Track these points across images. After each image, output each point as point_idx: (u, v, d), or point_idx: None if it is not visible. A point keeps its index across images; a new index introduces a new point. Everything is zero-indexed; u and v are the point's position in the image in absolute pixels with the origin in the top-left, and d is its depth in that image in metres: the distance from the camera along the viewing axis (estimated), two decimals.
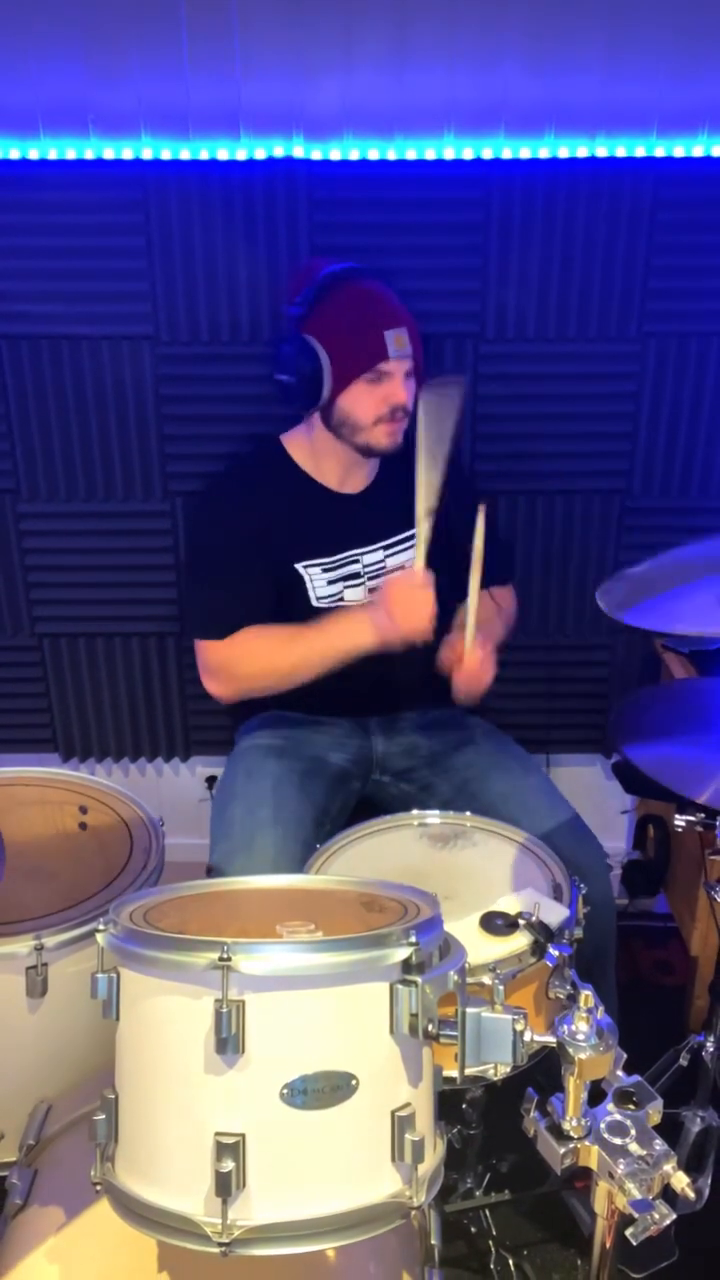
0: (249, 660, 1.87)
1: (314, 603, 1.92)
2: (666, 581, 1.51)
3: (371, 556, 1.92)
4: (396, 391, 1.79)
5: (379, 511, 1.92)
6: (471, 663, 1.77)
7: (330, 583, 1.91)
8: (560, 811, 1.84)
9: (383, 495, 1.92)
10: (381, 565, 1.93)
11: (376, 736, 2.01)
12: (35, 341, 2.13)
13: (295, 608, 1.91)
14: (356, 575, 1.92)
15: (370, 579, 1.93)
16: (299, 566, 1.90)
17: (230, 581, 1.89)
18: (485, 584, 1.82)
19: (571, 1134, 1.07)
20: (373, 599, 1.86)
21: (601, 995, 1.13)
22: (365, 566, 1.92)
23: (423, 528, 1.75)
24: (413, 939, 1.04)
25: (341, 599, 1.93)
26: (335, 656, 1.81)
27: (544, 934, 1.43)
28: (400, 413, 1.80)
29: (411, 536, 1.87)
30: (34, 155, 2.02)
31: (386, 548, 1.93)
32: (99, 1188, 1.08)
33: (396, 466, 1.87)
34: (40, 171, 2.02)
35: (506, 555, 2.14)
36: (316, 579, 1.91)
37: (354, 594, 1.93)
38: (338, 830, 1.76)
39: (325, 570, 1.91)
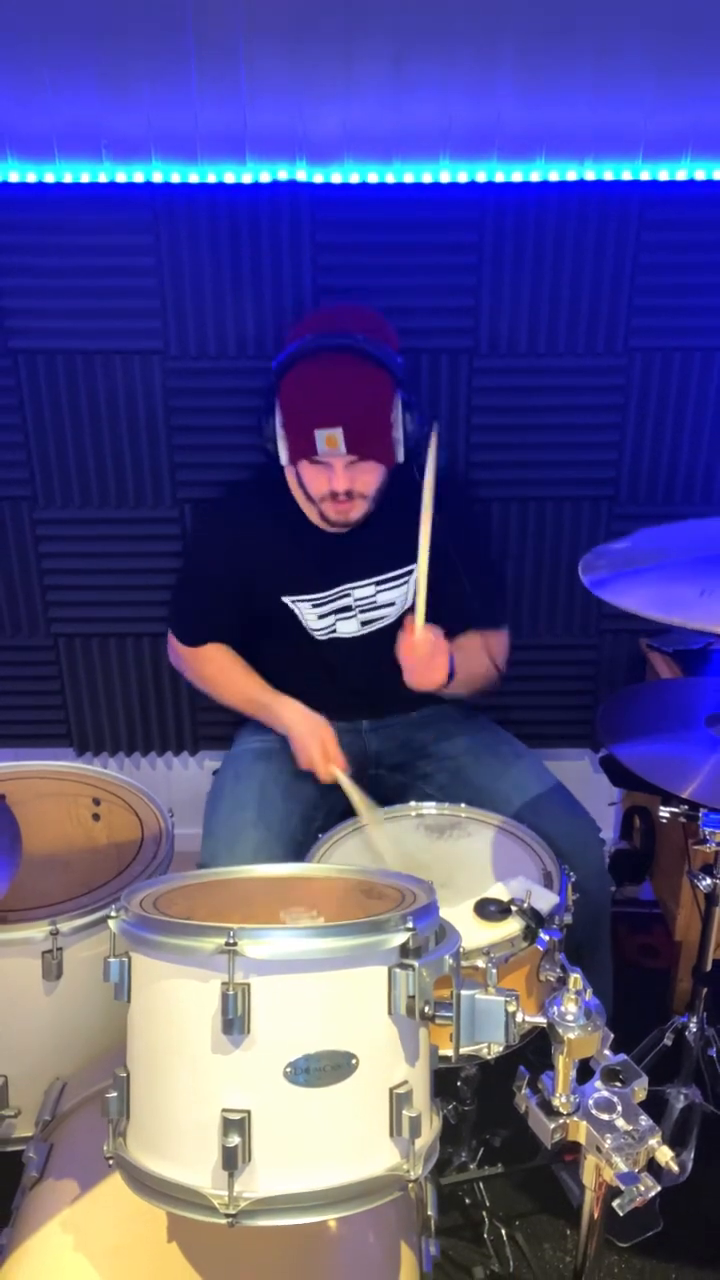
0: (202, 674, 1.99)
1: (311, 634, 1.91)
2: (646, 560, 1.49)
3: (362, 591, 1.88)
4: (336, 480, 1.71)
5: (370, 547, 1.85)
6: (422, 648, 1.69)
7: (320, 616, 1.89)
8: (550, 786, 1.85)
9: (375, 531, 1.84)
10: (373, 600, 1.89)
11: (369, 735, 2.00)
12: (51, 356, 2.13)
13: (290, 638, 1.91)
14: (348, 609, 1.89)
15: (362, 612, 1.89)
16: (287, 600, 1.88)
17: (204, 604, 1.95)
18: (476, 625, 1.85)
19: (561, 1110, 1.07)
20: (310, 716, 1.84)
21: (596, 969, 1.13)
22: (356, 600, 1.88)
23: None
24: (410, 925, 1.04)
25: (335, 631, 1.90)
26: (263, 719, 1.92)
27: (535, 920, 1.43)
28: (343, 496, 1.74)
29: (404, 573, 1.86)
30: (49, 179, 2.02)
31: (378, 583, 1.88)
32: (111, 1161, 1.08)
33: (394, 501, 1.81)
34: (55, 194, 2.02)
35: (495, 600, 2.03)
36: (307, 613, 1.89)
37: (347, 626, 1.90)
38: (333, 824, 1.76)
39: (315, 605, 1.88)
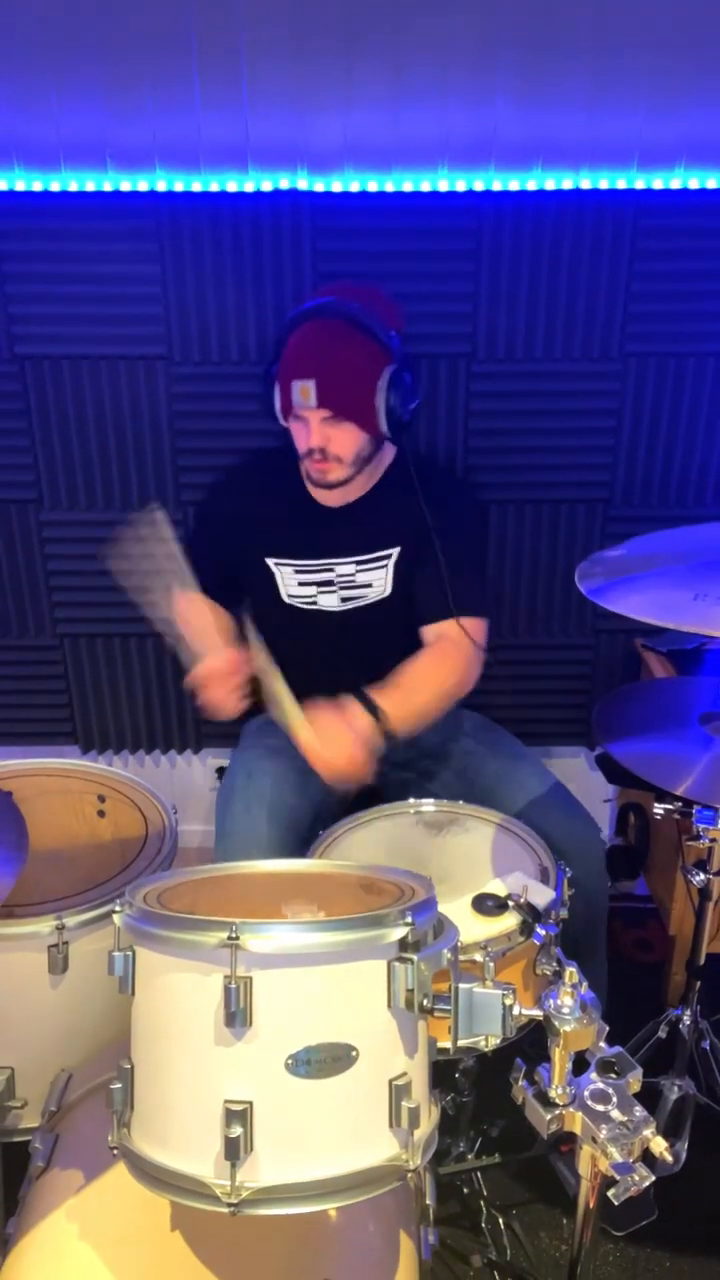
0: (179, 613, 1.86)
1: (284, 599, 1.92)
2: (641, 566, 1.50)
3: (345, 568, 1.90)
4: (310, 435, 1.74)
5: (357, 528, 1.88)
6: (315, 747, 1.62)
7: (301, 584, 1.90)
8: (552, 787, 1.84)
9: (361, 514, 1.87)
10: (352, 578, 1.90)
11: None
12: (56, 361, 2.13)
13: (265, 599, 1.92)
14: (330, 583, 1.91)
15: (342, 588, 1.91)
16: (270, 561, 1.90)
17: (200, 549, 1.89)
18: (444, 614, 1.79)
19: (557, 1101, 1.07)
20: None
21: (592, 965, 1.13)
22: (338, 576, 1.90)
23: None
24: (409, 919, 1.04)
25: (315, 602, 1.92)
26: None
27: (532, 915, 1.43)
28: (318, 454, 1.75)
29: (382, 556, 1.88)
30: (56, 188, 2.02)
31: (359, 562, 1.89)
32: (116, 1151, 1.08)
33: (384, 489, 1.87)
34: (62, 203, 2.02)
35: (474, 589, 1.90)
36: (288, 578, 1.90)
37: (328, 600, 1.91)
38: (339, 818, 1.76)
39: (297, 571, 1.90)
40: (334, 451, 1.75)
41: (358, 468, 1.80)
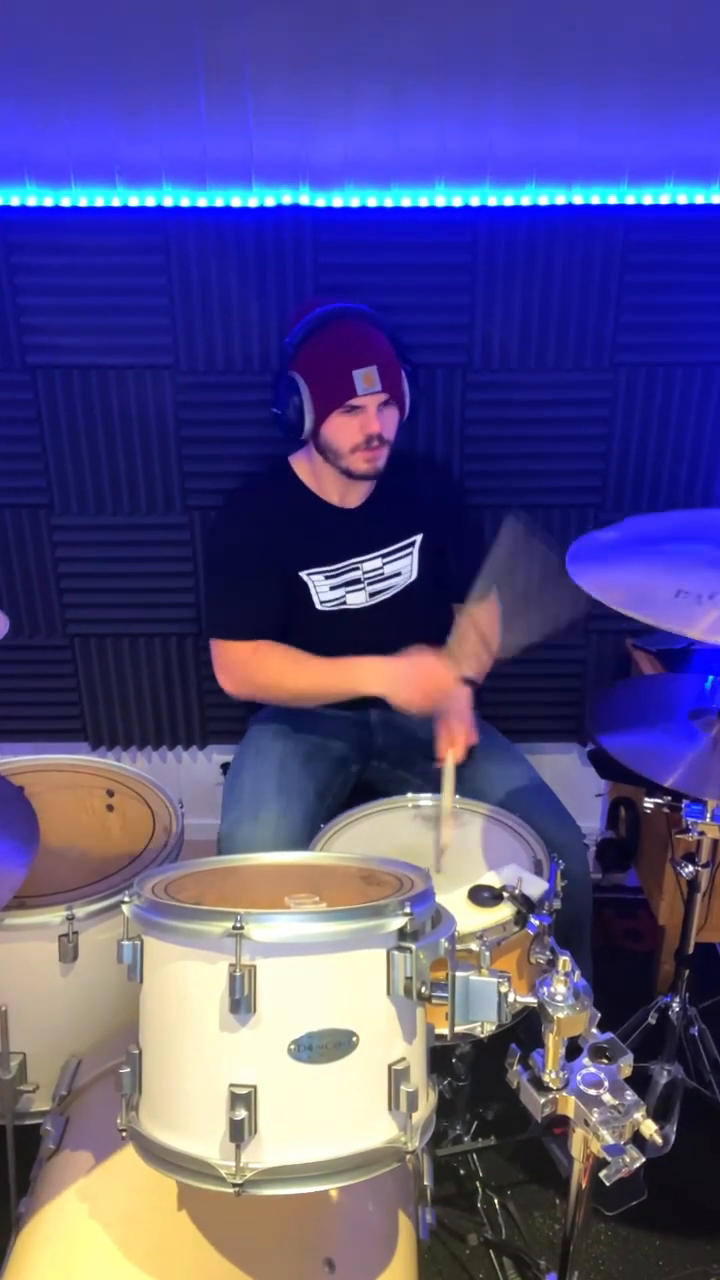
0: (265, 671, 1.84)
1: (317, 606, 1.91)
2: (632, 553, 1.48)
3: (370, 564, 1.92)
4: (370, 423, 1.76)
5: (376, 523, 1.91)
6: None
7: (333, 588, 1.91)
8: (542, 795, 1.84)
9: (380, 508, 1.91)
10: (380, 571, 1.93)
11: (377, 728, 2.00)
12: (67, 371, 2.13)
13: (299, 612, 1.91)
14: (357, 581, 1.92)
15: (370, 584, 1.92)
16: (303, 574, 1.89)
17: (248, 588, 1.86)
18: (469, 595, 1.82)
19: (551, 1085, 1.07)
20: (398, 659, 1.76)
21: (578, 960, 1.13)
22: (365, 573, 1.92)
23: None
24: (407, 910, 1.04)
25: (344, 603, 1.92)
26: (342, 692, 1.80)
27: (526, 905, 1.43)
28: (376, 440, 1.77)
29: (408, 545, 1.91)
30: (66, 203, 2.02)
31: (384, 555, 1.92)
32: (124, 1134, 1.08)
33: (392, 482, 1.88)
34: (71, 218, 2.02)
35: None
36: (320, 585, 1.90)
37: (356, 598, 1.92)
38: (338, 807, 1.76)
39: (328, 577, 1.90)
40: (387, 436, 1.79)
41: (389, 456, 1.84)
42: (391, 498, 1.90)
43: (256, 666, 1.84)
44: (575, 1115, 1.07)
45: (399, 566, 1.93)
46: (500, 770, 1.88)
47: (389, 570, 1.93)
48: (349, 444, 1.78)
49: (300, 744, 1.91)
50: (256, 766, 1.85)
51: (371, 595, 1.93)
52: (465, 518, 2.07)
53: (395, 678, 1.74)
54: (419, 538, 1.93)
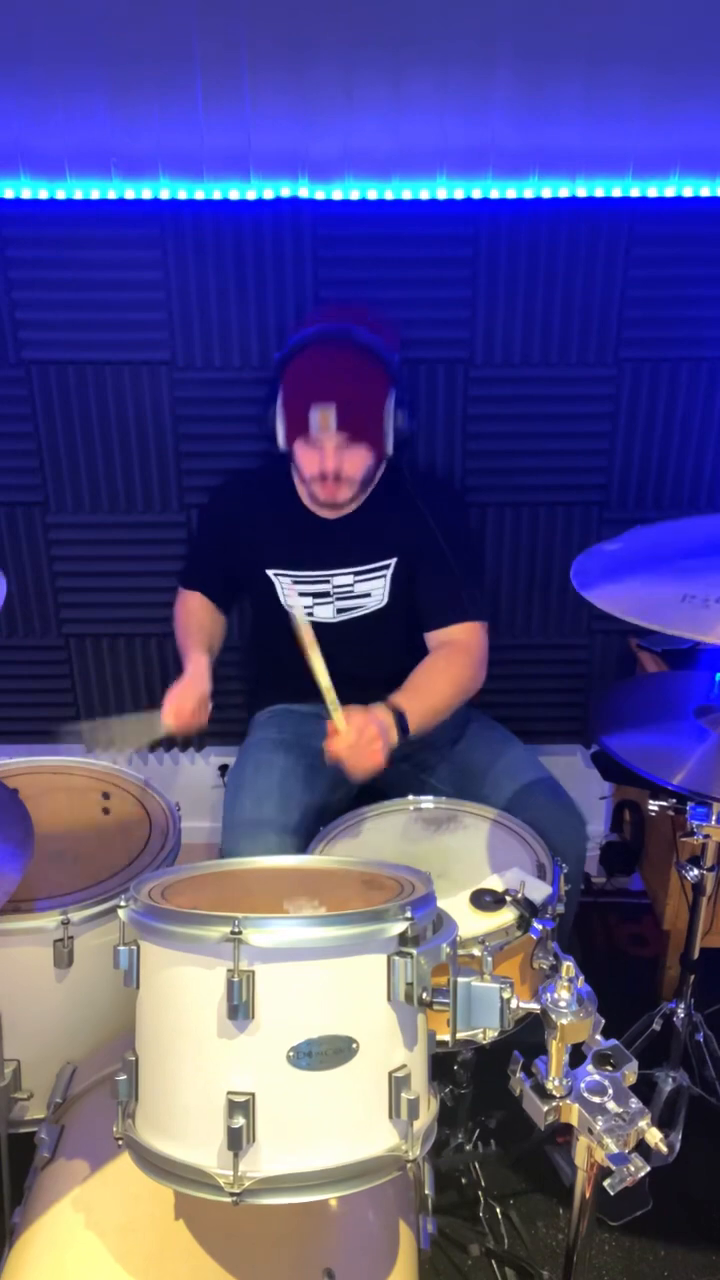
0: (177, 616, 2.04)
1: (285, 607, 1.92)
2: (636, 564, 1.48)
3: (342, 579, 1.90)
4: (325, 459, 1.75)
5: (354, 539, 1.88)
6: (347, 739, 1.57)
7: (300, 595, 1.91)
8: (541, 775, 1.85)
9: (361, 523, 1.88)
10: (350, 589, 1.91)
11: None
12: (62, 367, 2.13)
13: (267, 608, 1.95)
14: (326, 594, 1.91)
15: (339, 599, 1.92)
16: (270, 572, 1.91)
17: (202, 550, 2.07)
18: (452, 618, 1.82)
19: (554, 1093, 1.07)
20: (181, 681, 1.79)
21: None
22: (335, 587, 1.91)
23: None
24: (408, 914, 1.04)
25: (311, 614, 1.91)
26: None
27: (529, 909, 1.43)
28: (331, 478, 1.76)
29: (381, 567, 1.89)
30: (61, 196, 2.01)
31: (356, 573, 1.90)
32: (120, 1142, 1.08)
33: (378, 500, 1.87)
34: (67, 211, 2.01)
35: (474, 593, 1.90)
36: (287, 588, 1.91)
37: (323, 611, 1.92)
38: (339, 809, 1.76)
39: (296, 583, 1.91)
40: (347, 474, 1.77)
41: (362, 488, 1.83)
42: (374, 517, 1.87)
43: (178, 608, 2.05)
44: (579, 1123, 1.07)
45: (370, 587, 1.91)
46: (501, 755, 1.89)
47: (359, 589, 1.91)
48: (309, 472, 1.79)
49: (302, 756, 1.89)
50: (256, 785, 1.84)
51: (339, 611, 1.92)
52: (449, 542, 1.87)
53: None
54: (393, 562, 1.89)
